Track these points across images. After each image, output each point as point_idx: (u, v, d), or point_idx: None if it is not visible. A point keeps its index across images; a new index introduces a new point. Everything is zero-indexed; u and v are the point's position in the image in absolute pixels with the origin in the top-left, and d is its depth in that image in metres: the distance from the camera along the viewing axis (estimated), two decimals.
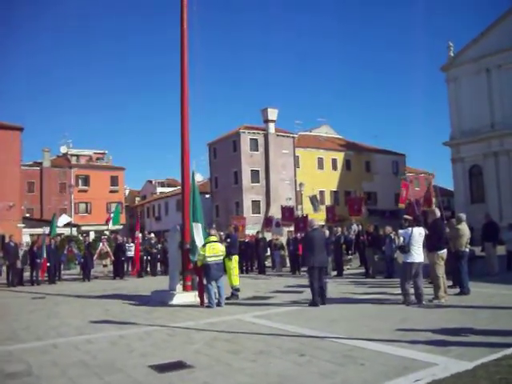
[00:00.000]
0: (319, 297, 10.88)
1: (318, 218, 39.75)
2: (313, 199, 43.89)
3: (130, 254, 22.72)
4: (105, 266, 24.54)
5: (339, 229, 21.19)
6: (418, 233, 10.70)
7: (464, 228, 12.12)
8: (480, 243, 16.71)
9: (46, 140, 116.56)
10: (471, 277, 12.67)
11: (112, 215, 28.02)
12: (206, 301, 11.60)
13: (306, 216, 25.44)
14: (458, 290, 11.79)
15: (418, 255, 10.56)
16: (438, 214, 11.69)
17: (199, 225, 12.73)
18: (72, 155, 65.20)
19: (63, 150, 64.75)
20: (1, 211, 34.43)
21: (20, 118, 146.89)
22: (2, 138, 35.98)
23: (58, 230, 27.60)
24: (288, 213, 29.44)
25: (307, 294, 13.04)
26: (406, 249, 10.54)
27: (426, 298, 10.58)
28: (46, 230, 24.64)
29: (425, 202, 17.69)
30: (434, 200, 17.22)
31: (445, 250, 11.18)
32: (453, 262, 11.79)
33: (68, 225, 38.14)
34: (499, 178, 42.30)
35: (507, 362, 5.47)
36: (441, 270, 10.93)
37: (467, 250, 12.28)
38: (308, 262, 11.13)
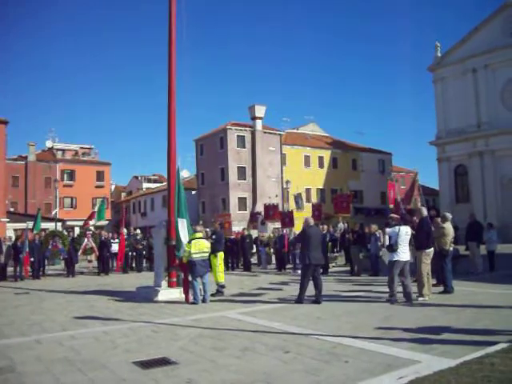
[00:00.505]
0: (317, 294, 10.84)
1: (304, 215, 39.96)
2: (297, 197, 43.97)
3: (114, 250, 22.60)
4: (89, 261, 24.39)
5: (325, 226, 21.25)
6: (405, 231, 10.80)
7: (449, 227, 12.20)
8: (464, 242, 16.86)
9: (32, 134, 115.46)
10: (455, 275, 12.80)
11: (96, 210, 27.82)
12: (190, 297, 11.59)
13: (292, 211, 25.50)
14: (441, 288, 11.89)
15: (404, 254, 10.66)
16: (425, 212, 11.77)
17: (184, 220, 12.69)
18: (58, 150, 64.70)
19: (49, 144, 64.23)
20: None
21: (5, 112, 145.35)
22: None
23: (43, 225, 27.39)
24: (272, 210, 29.58)
25: (292, 290, 13.08)
26: (394, 248, 10.61)
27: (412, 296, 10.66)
28: (30, 224, 24.40)
29: (405, 199, 17.87)
30: (418, 198, 17.35)
31: (432, 249, 11.28)
32: (437, 261, 11.88)
33: (53, 219, 37.92)
34: (484, 177, 42.68)
35: (490, 360, 5.52)
36: (426, 268, 11.03)
37: (451, 248, 12.39)
38: (304, 259, 11.01)
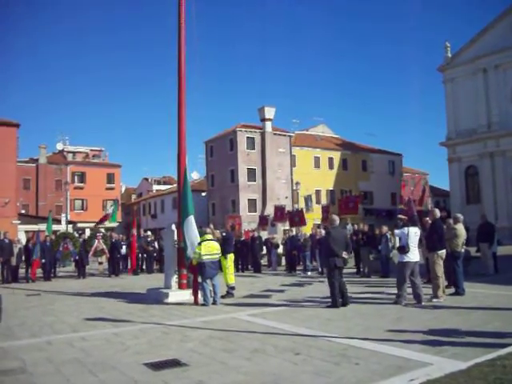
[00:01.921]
0: (341, 298, 10.46)
1: (314, 217, 39.97)
2: (307, 199, 44.06)
3: (123, 251, 22.70)
4: (100, 263, 24.46)
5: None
6: (414, 232, 10.75)
7: (460, 228, 12.15)
8: (475, 244, 16.76)
9: (43, 137, 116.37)
10: (466, 277, 12.73)
11: (110, 212, 27.97)
12: (200, 299, 11.60)
13: (302, 210, 25.49)
14: (453, 290, 11.82)
15: (413, 255, 10.60)
16: (438, 214, 11.72)
17: (191, 217, 12.56)
18: (68, 152, 65.07)
19: (59, 146, 64.61)
20: None
21: (16, 115, 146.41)
22: None
23: (54, 227, 27.57)
24: (281, 212, 29.63)
25: (302, 291, 13.07)
26: (405, 249, 10.52)
27: (424, 297, 10.60)
28: (42, 227, 24.58)
29: (418, 202, 17.80)
30: (429, 200, 17.31)
31: (444, 250, 11.24)
32: (448, 263, 11.82)
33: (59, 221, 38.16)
34: (495, 178, 42.44)
35: (502, 363, 5.48)
36: (440, 270, 10.98)
37: (463, 250, 12.32)
38: (329, 262, 10.61)
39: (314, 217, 40.49)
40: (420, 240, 11.05)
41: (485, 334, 7.23)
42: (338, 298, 10.38)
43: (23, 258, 20.45)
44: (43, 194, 58.56)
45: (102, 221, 27.09)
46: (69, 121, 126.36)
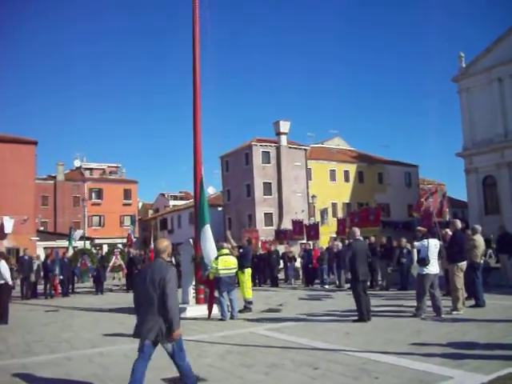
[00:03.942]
0: (366, 312, 10.31)
1: (330, 230, 39.83)
2: (323, 212, 43.99)
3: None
4: (114, 279, 24.52)
5: (372, 238, 20.88)
6: (434, 244, 10.64)
7: (479, 239, 12.03)
8: (495, 255, 16.57)
9: (60, 154, 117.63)
10: (486, 289, 12.57)
11: (130, 231, 28.14)
12: (218, 314, 11.61)
13: (317, 224, 25.37)
14: (473, 302, 11.68)
15: (433, 267, 10.49)
16: (459, 225, 11.62)
17: (207, 227, 12.61)
18: (86, 169, 65.75)
19: (77, 163, 65.32)
20: (15, 225, 34.69)
21: (34, 132, 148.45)
22: (17, 152, 36.35)
23: (73, 244, 27.84)
24: (298, 226, 29.53)
25: (320, 305, 12.99)
26: (426, 262, 10.41)
27: (443, 310, 10.48)
28: (60, 243, 24.85)
29: (437, 213, 17.62)
30: (446, 211, 17.16)
31: (465, 262, 11.12)
32: (468, 274, 11.69)
33: (82, 238, 38.46)
34: None
35: None
36: (460, 282, 10.87)
37: (482, 261, 12.19)
38: (353, 276, 10.53)
39: (330, 230, 40.32)
40: (439, 252, 10.95)
41: (506, 346, 7.12)
42: (365, 311, 10.25)
43: (42, 274, 20.62)
44: (61, 211, 59.14)
45: (129, 242, 27.13)
46: (86, 138, 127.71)
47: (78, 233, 35.56)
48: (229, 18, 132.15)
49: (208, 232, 12.45)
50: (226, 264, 11.59)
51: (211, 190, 63.70)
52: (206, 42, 14.12)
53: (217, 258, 11.73)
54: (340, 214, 49.21)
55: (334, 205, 52.96)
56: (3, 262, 12.97)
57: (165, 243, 5.48)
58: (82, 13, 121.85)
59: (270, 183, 50.63)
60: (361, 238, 11.03)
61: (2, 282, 12.77)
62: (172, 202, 77.05)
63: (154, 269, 5.18)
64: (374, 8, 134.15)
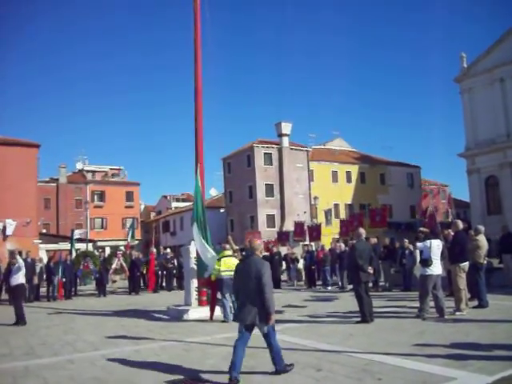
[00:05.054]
0: (369, 313, 10.26)
1: (333, 232, 39.80)
2: (327, 213, 43.94)
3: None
4: (114, 281, 24.51)
5: (375, 239, 20.84)
6: (436, 245, 10.61)
7: (482, 240, 11.99)
8: (497, 255, 16.51)
9: (62, 156, 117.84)
10: (489, 289, 12.54)
11: (129, 236, 28.21)
12: (221, 315, 11.60)
13: (319, 225, 25.34)
14: (476, 302, 11.64)
15: (436, 268, 10.46)
16: (461, 226, 11.58)
17: (194, 225, 12.71)
18: (88, 171, 65.79)
19: (79, 166, 65.42)
20: (18, 227, 34.72)
21: (36, 135, 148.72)
22: (19, 155, 36.35)
23: (76, 246, 27.90)
24: (299, 228, 29.55)
25: (323, 307, 12.96)
26: (429, 262, 10.39)
27: (447, 310, 10.45)
28: (63, 246, 24.90)
29: (439, 214, 17.61)
30: (450, 211, 17.14)
31: (467, 263, 11.09)
32: (471, 275, 11.66)
33: (81, 240, 38.56)
34: None
35: None
36: (462, 282, 10.84)
37: (485, 262, 12.15)
38: (355, 277, 10.48)
39: (333, 231, 40.30)
40: (442, 252, 10.92)
41: (510, 347, 7.10)
42: (368, 313, 10.22)
43: (44, 276, 20.63)
44: (63, 213, 59.18)
45: (127, 250, 27.15)
46: (88, 140, 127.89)
47: (78, 232, 35.61)
48: (230, 19, 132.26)
49: (194, 230, 12.62)
50: (228, 265, 11.56)
51: (213, 192, 63.76)
52: (207, 42, 14.19)
53: (219, 260, 11.73)
54: (342, 215, 49.20)
55: (336, 206, 52.94)
56: (21, 260, 13.19)
57: (258, 242, 6.87)
58: (82, 12, 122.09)
59: (271, 185, 50.65)
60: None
61: (18, 283, 12.88)
62: (174, 204, 77.02)
63: (251, 263, 6.43)
64: (379, 7, 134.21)
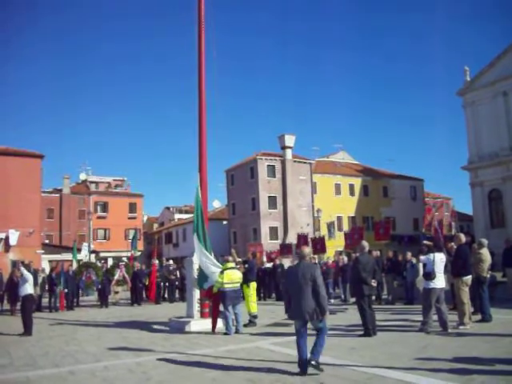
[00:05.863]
0: (372, 327, 10.22)
1: (336, 244, 39.72)
2: (330, 226, 43.87)
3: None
4: (116, 292, 24.49)
5: (378, 252, 20.77)
6: (440, 258, 10.58)
7: (485, 253, 11.95)
8: (501, 269, 16.44)
9: (66, 167, 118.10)
10: (493, 303, 12.47)
11: (132, 248, 28.26)
12: (223, 328, 11.55)
13: (323, 237, 25.27)
14: (479, 316, 11.58)
15: (439, 281, 10.42)
16: (464, 239, 11.56)
17: (195, 235, 12.63)
18: (91, 182, 65.95)
19: (82, 177, 65.56)
20: (21, 238, 34.76)
21: (40, 146, 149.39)
22: (23, 166, 36.49)
23: (78, 257, 27.87)
24: (303, 240, 29.45)
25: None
26: (432, 276, 10.35)
27: (450, 324, 10.40)
28: (66, 256, 24.91)
29: (442, 227, 17.58)
30: (453, 224, 17.10)
31: (469, 276, 11.04)
32: (474, 288, 11.61)
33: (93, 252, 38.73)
34: None
35: None
36: (466, 296, 10.79)
37: (489, 275, 12.10)
38: (358, 290, 10.44)
39: (336, 244, 40.22)
40: (445, 266, 10.88)
41: None
42: (371, 326, 10.17)
43: (46, 287, 20.62)
44: (67, 224, 59.27)
45: (131, 262, 27.14)
46: (92, 151, 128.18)
47: (85, 245, 35.69)
48: (232, 37, 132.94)
49: (195, 240, 12.56)
50: (232, 278, 11.55)
51: (216, 204, 63.79)
52: (211, 49, 14.34)
53: (222, 272, 11.70)
54: (346, 228, 49.14)
55: (339, 218, 52.91)
56: (25, 271, 13.26)
57: (307, 250, 7.60)
58: (85, 18, 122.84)
59: (275, 197, 50.65)
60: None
61: (28, 293, 12.91)
62: (177, 216, 77.09)
63: (304, 267, 7.10)
64: (382, 18, 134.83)
